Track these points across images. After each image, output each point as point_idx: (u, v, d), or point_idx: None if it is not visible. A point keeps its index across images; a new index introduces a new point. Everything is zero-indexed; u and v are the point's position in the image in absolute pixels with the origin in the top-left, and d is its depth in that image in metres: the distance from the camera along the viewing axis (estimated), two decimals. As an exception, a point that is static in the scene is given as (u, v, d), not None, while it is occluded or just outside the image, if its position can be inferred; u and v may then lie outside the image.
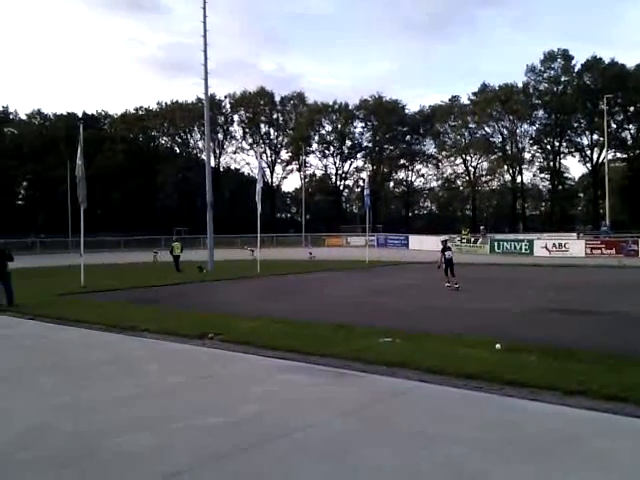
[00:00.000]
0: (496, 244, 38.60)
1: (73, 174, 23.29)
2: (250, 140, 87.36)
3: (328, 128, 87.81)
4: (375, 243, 49.52)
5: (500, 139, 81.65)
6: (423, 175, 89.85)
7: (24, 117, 78.39)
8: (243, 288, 18.05)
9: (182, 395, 5.91)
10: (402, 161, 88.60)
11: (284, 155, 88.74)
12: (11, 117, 78.12)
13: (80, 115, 77.20)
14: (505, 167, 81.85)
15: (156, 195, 78.00)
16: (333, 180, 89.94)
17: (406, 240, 48.98)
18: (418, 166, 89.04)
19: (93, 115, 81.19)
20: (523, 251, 35.94)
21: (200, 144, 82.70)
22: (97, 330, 10.14)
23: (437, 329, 9.17)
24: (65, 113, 78.12)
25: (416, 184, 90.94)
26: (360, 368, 6.76)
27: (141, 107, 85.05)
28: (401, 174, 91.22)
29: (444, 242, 17.32)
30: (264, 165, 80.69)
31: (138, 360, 7.71)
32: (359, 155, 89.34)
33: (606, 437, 4.48)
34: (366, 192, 31.04)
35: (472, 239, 41.42)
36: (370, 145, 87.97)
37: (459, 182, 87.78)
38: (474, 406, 5.37)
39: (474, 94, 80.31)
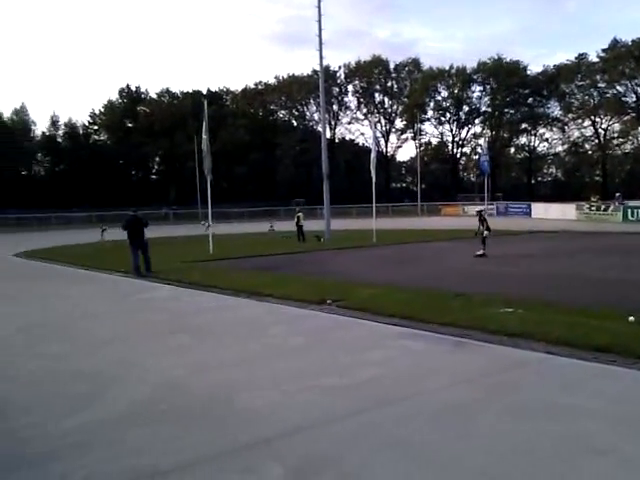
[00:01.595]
0: (629, 211, 35.49)
1: (200, 149, 24.69)
2: (364, 110, 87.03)
3: (444, 94, 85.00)
4: (494, 212, 47.56)
5: (634, 98, 74.10)
6: (547, 139, 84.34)
7: (154, 96, 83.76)
8: (360, 257, 18.27)
9: (302, 357, 6.19)
10: (524, 125, 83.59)
11: (399, 124, 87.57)
12: (143, 96, 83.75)
13: (204, 92, 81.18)
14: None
15: (275, 167, 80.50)
16: (449, 148, 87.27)
17: (528, 208, 46.54)
18: (541, 130, 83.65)
19: (216, 92, 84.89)
20: (662, 219, 32.76)
21: (316, 116, 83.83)
22: (225, 295, 10.80)
23: (562, 299, 8.72)
24: (191, 91, 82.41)
25: (539, 149, 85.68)
26: (481, 338, 6.62)
27: (260, 82, 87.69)
28: (522, 139, 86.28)
29: (480, 212, 17.51)
30: (378, 134, 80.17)
31: (262, 323, 8.14)
32: (477, 121, 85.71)
33: None
34: (484, 159, 29.82)
35: (602, 206, 38.44)
36: (489, 110, 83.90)
37: (587, 146, 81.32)
38: (605, 379, 5.10)
39: (604, 51, 73.34)
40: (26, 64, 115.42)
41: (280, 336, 7.19)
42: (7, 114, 75.36)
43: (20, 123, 75.55)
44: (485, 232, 16.64)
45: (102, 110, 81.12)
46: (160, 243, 22.36)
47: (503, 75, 78.62)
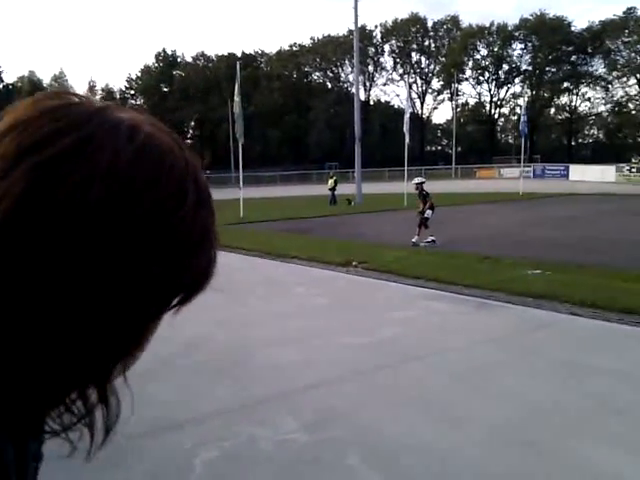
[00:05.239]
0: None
1: (233, 112, 24.67)
2: (400, 70, 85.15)
3: (483, 52, 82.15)
4: (531, 174, 46.34)
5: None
6: (589, 99, 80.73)
7: (190, 60, 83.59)
8: (389, 220, 18.17)
9: (325, 316, 6.27)
10: (565, 84, 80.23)
11: (435, 84, 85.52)
12: (179, 60, 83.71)
13: (239, 55, 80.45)
14: (691, 86, 70.65)
15: (309, 131, 79.96)
16: (487, 108, 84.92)
17: (566, 170, 45.22)
18: (584, 89, 79.97)
19: (250, 54, 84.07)
20: None
21: (351, 78, 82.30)
22: (253, 256, 10.95)
23: (594, 262, 8.55)
24: (226, 54, 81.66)
25: (581, 109, 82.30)
26: (505, 299, 6.58)
27: (295, 43, 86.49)
28: (564, 99, 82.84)
29: (419, 185, 12.27)
30: (414, 96, 78.64)
31: (288, 283, 8.25)
32: (517, 80, 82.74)
33: None
34: (522, 119, 28.89)
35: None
36: (530, 68, 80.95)
37: (631, 105, 77.53)
38: (629, 340, 5.04)
39: (655, 4, 69.24)
40: (65, 30, 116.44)
41: (304, 296, 7.30)
42: (47, 80, 76.68)
43: (59, 89, 76.62)
44: (427, 212, 11.88)
45: (139, 75, 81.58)
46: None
47: (546, 32, 75.27)
